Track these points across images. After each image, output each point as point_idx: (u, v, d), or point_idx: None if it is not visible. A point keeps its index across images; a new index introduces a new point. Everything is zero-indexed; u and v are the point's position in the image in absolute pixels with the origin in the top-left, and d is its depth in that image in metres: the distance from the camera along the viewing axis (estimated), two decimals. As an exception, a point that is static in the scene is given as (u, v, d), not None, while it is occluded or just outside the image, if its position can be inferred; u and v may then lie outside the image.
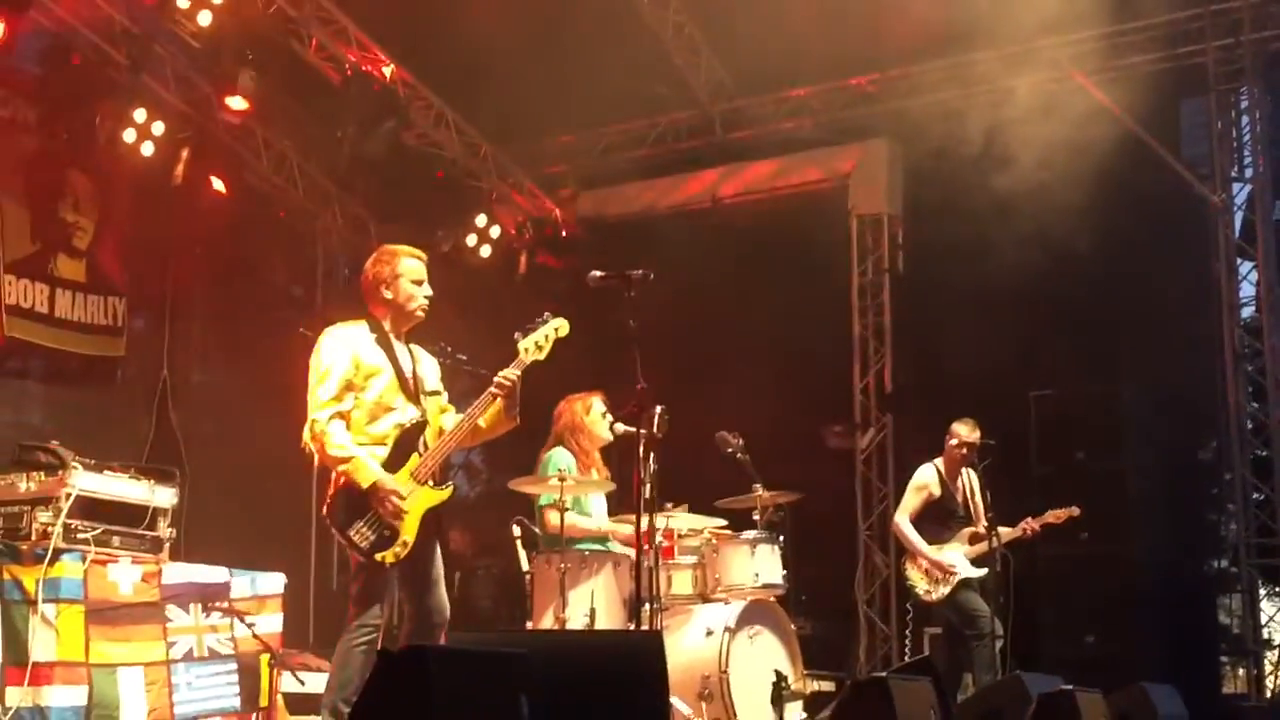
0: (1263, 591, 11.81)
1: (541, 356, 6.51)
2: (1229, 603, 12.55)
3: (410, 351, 6.57)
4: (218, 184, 12.00)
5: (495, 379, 6.39)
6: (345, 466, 6.19)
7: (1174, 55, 11.82)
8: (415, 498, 6.25)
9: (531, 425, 6.77)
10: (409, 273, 6.49)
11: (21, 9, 9.86)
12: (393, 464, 6.28)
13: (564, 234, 14.09)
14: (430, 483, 6.34)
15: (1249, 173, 11.92)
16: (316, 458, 6.31)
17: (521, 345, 6.46)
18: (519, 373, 6.41)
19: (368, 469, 6.17)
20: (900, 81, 12.72)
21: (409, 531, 6.21)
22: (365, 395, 6.32)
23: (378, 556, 6.15)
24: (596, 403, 8.47)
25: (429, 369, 6.65)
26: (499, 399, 6.41)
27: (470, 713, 4.49)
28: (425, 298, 6.52)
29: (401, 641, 6.22)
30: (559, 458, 8.28)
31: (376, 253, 6.61)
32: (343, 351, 6.33)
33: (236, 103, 11.22)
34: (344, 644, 6.21)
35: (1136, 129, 11.61)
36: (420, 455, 6.34)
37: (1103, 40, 11.78)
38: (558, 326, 6.54)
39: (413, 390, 6.45)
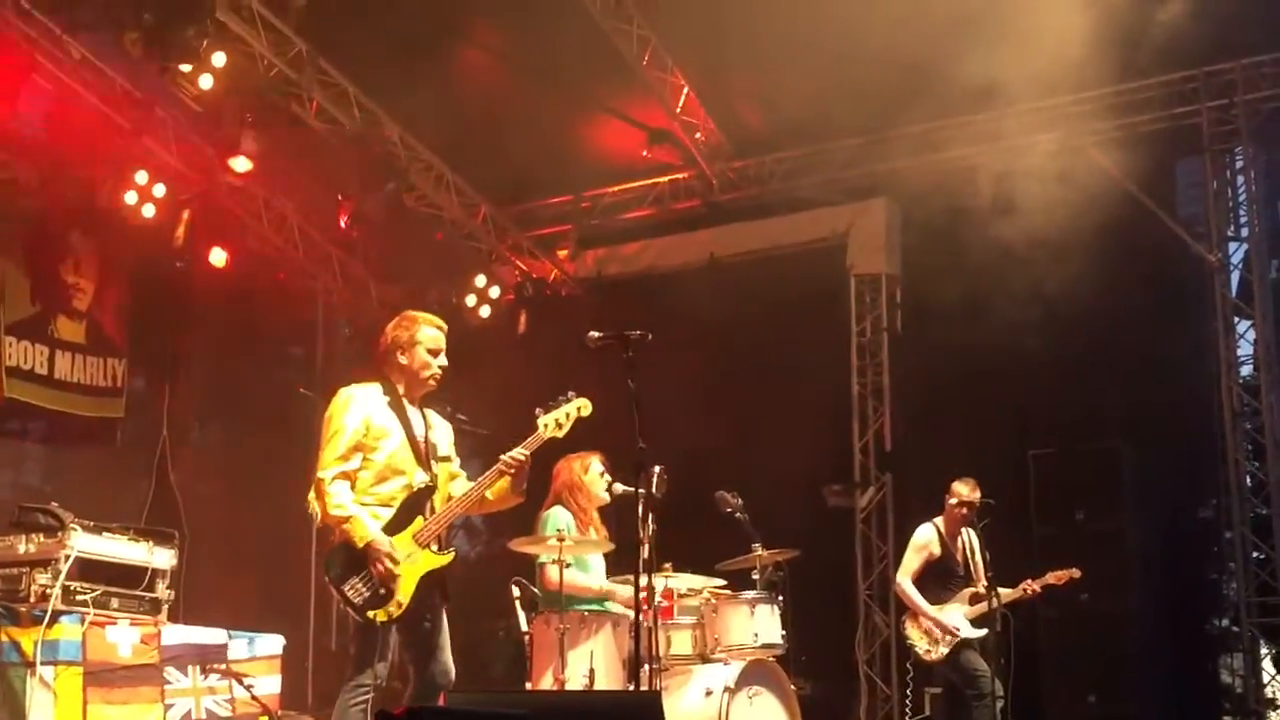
0: (1265, 651, 11.75)
1: (560, 434, 6.57)
2: (1231, 662, 12.49)
3: (424, 416, 6.61)
4: (219, 256, 12.05)
5: (502, 458, 6.44)
6: (345, 526, 6.22)
7: (1170, 116, 11.91)
8: (415, 560, 6.28)
9: (530, 485, 6.78)
10: (426, 341, 6.55)
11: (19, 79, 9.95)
12: (397, 525, 6.30)
13: (563, 294, 14.14)
14: (434, 547, 6.36)
15: (1245, 232, 11.98)
16: (319, 516, 6.34)
17: (541, 421, 6.51)
18: (528, 453, 6.45)
19: (365, 528, 6.20)
20: (898, 142, 12.77)
21: (404, 593, 6.22)
22: (375, 456, 6.36)
23: (369, 614, 6.17)
24: (595, 463, 8.47)
25: (442, 434, 6.69)
26: (504, 477, 6.45)
27: (469, 774, 4.49)
28: (439, 368, 6.57)
29: (405, 703, 6.21)
30: (558, 516, 8.27)
31: (399, 317, 6.67)
32: (355, 413, 6.38)
33: (240, 164, 11.29)
34: (341, 704, 6.21)
35: (1133, 189, 11.69)
36: (425, 519, 6.37)
37: (1099, 101, 11.89)
38: (580, 406, 6.59)
39: (424, 455, 6.48)
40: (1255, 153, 11.97)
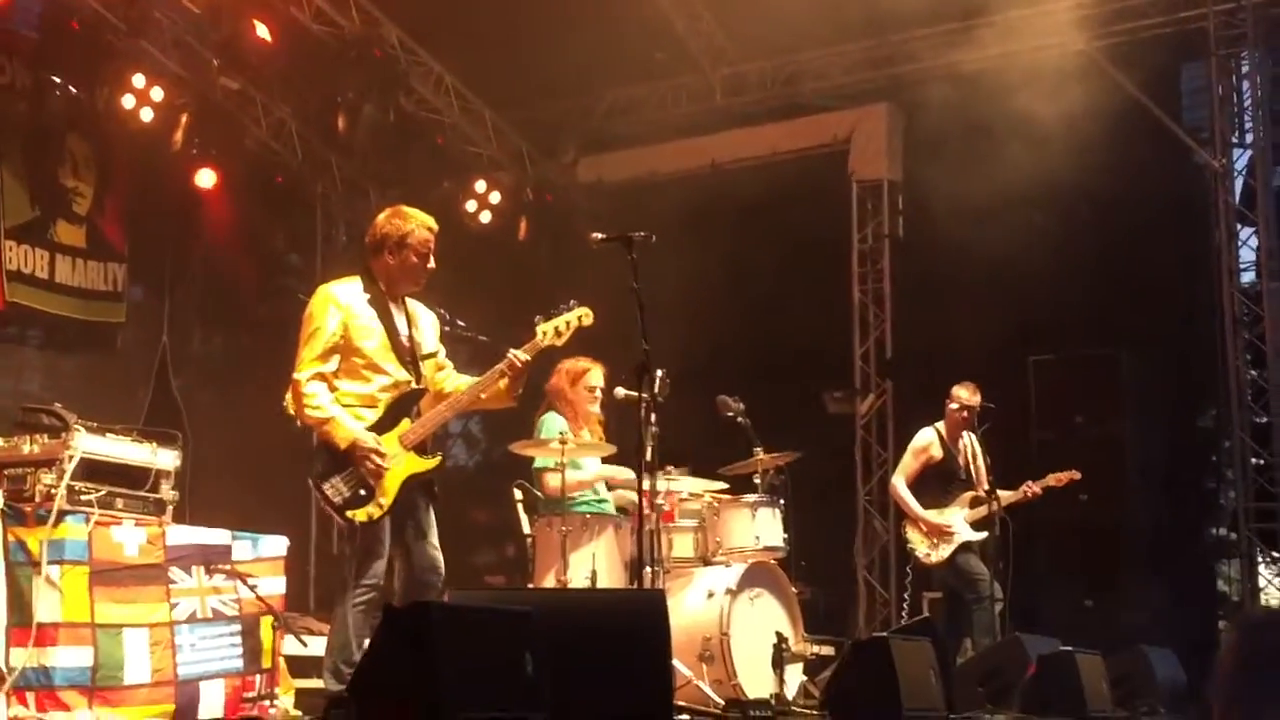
0: (1261, 559, 11.81)
1: (559, 343, 6.58)
2: (1228, 570, 12.57)
3: (408, 312, 6.57)
4: (208, 178, 11.95)
5: (507, 356, 6.41)
6: (325, 427, 6.23)
7: (1175, 19, 11.77)
8: (399, 462, 6.29)
9: (528, 390, 6.79)
10: (416, 244, 6.48)
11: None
12: (383, 426, 6.31)
13: (565, 200, 14.06)
14: (420, 451, 6.37)
15: (1249, 138, 11.91)
16: (297, 418, 6.35)
17: (540, 329, 6.50)
18: (529, 356, 6.43)
19: (345, 428, 6.21)
20: (901, 46, 12.68)
21: (387, 494, 6.24)
22: (355, 357, 6.34)
23: (349, 513, 6.21)
24: (589, 377, 8.40)
25: (427, 328, 6.66)
26: (504, 377, 6.43)
27: (474, 669, 4.52)
28: (426, 269, 6.52)
29: (396, 601, 6.24)
30: (553, 422, 8.27)
31: (391, 210, 6.61)
32: (333, 312, 6.35)
33: (264, 31, 11.15)
34: (341, 606, 6.27)
35: (1137, 94, 11.61)
36: (412, 421, 6.36)
37: (1104, 4, 11.76)
38: (581, 315, 6.59)
39: (407, 353, 6.46)
40: (1262, 57, 11.86)
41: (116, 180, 11.73)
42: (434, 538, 6.49)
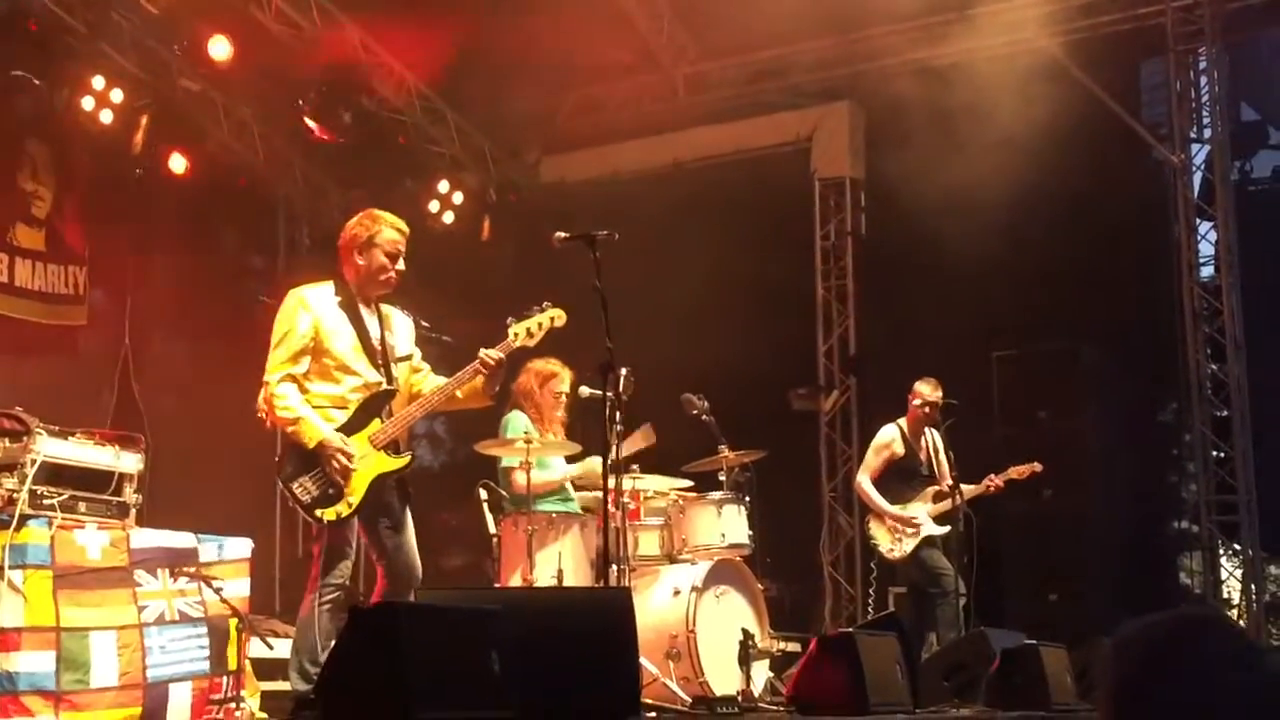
0: (1222, 552, 11.89)
1: (531, 344, 6.57)
2: (1189, 563, 12.65)
3: (380, 316, 6.56)
4: (179, 163, 11.91)
5: (479, 355, 6.40)
6: (293, 427, 6.22)
7: (1134, 16, 11.86)
8: (368, 462, 6.28)
9: (498, 392, 6.78)
10: (384, 244, 6.47)
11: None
12: (353, 427, 6.30)
13: (527, 200, 14.05)
14: (390, 451, 6.36)
15: (1208, 133, 11.99)
16: (267, 420, 6.35)
17: (512, 330, 6.50)
18: (502, 355, 6.43)
19: (314, 428, 6.20)
20: (862, 44, 12.72)
21: (355, 492, 6.24)
22: (325, 358, 6.34)
23: (318, 512, 6.21)
24: (557, 382, 8.42)
25: (401, 332, 6.65)
26: (479, 376, 6.42)
27: (442, 669, 4.52)
28: (395, 271, 6.50)
29: (373, 603, 6.25)
30: (518, 421, 8.28)
31: (361, 214, 6.61)
32: (304, 315, 6.34)
33: (220, 49, 11.09)
34: (307, 606, 6.26)
35: (1096, 90, 11.68)
36: (382, 421, 6.36)
37: (1063, 1, 11.83)
38: (554, 316, 6.58)
39: (378, 355, 6.45)
40: (1220, 53, 11.94)
41: (76, 183, 11.67)
42: (412, 540, 6.50)
